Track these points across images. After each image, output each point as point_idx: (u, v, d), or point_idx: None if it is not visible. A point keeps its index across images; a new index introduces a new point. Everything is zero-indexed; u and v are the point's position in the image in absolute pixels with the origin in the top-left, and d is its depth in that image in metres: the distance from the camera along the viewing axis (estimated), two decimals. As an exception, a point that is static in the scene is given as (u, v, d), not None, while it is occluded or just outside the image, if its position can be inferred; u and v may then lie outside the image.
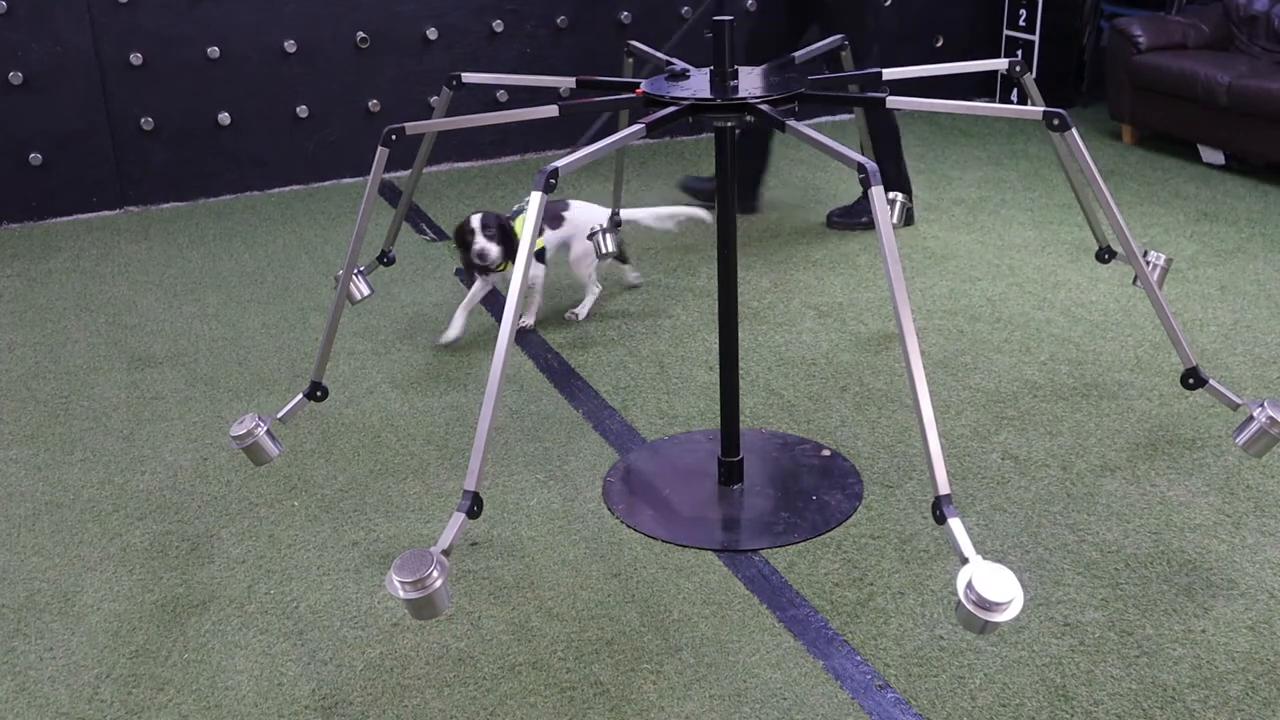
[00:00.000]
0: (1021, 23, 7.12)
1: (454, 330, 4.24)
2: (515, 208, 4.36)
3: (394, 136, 2.75)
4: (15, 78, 5.63)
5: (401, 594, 2.15)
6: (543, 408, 3.76)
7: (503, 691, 2.52)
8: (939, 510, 2.22)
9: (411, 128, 2.77)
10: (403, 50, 6.25)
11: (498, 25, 6.34)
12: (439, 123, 2.97)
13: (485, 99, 6.33)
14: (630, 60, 3.53)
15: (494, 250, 4.10)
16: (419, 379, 3.98)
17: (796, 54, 3.18)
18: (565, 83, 3.18)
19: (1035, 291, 4.52)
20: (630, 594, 2.82)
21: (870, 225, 5.22)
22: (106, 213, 5.95)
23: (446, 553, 2.21)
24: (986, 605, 2.05)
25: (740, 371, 3.55)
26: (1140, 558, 2.88)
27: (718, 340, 3.18)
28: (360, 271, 3.67)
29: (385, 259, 3.78)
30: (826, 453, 3.42)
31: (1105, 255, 3.43)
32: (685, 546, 3.00)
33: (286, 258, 5.22)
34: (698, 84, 2.90)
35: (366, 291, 3.57)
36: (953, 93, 6.81)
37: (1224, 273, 4.63)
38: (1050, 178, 5.89)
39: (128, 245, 5.46)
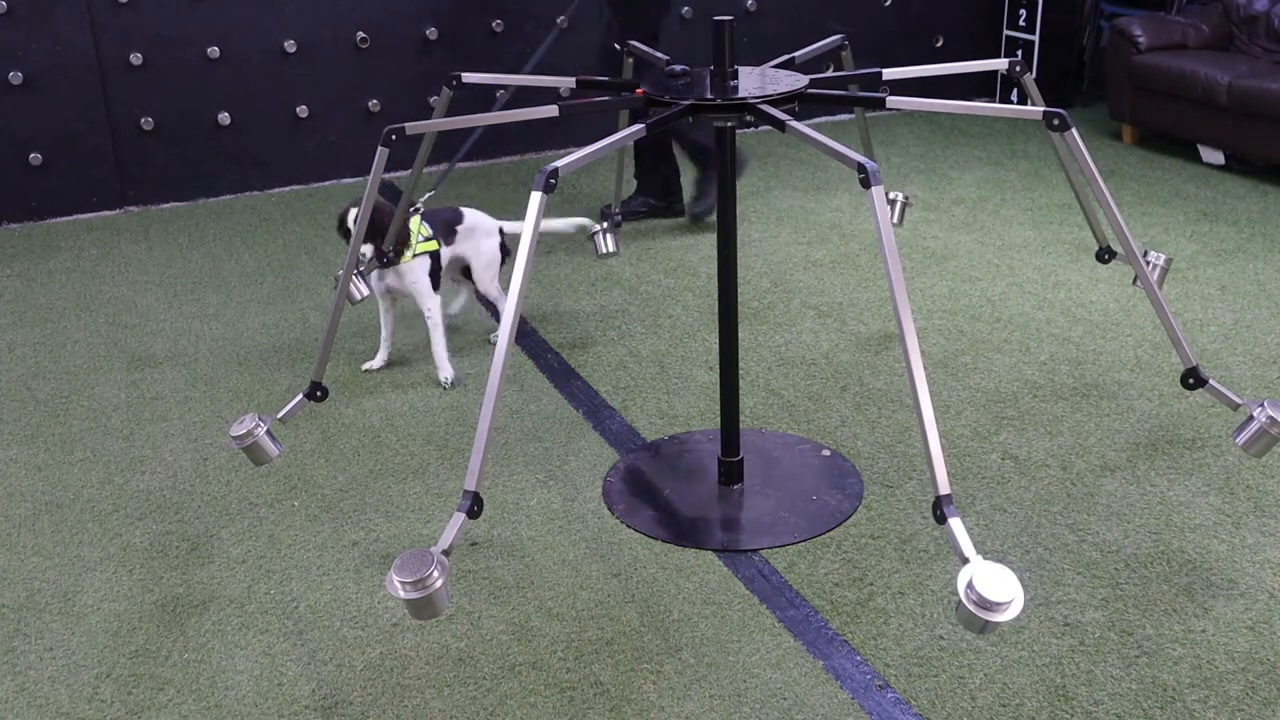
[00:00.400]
0: (1021, 23, 7.12)
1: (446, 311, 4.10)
2: (418, 203, 3.91)
3: (394, 136, 2.75)
4: (15, 78, 5.63)
5: (402, 594, 2.15)
6: (543, 408, 3.76)
7: (503, 691, 2.52)
8: (939, 510, 2.22)
9: (411, 128, 2.77)
10: (403, 50, 6.26)
11: (498, 25, 6.34)
12: (439, 123, 2.97)
13: (485, 99, 6.33)
14: (630, 60, 3.53)
15: (366, 250, 3.72)
16: (419, 379, 3.98)
17: (796, 54, 3.18)
18: (565, 83, 3.19)
19: (1035, 291, 4.51)
20: (630, 594, 2.82)
21: (660, 211, 5.41)
22: (106, 213, 5.96)
23: (447, 553, 2.21)
24: (987, 605, 2.05)
25: (740, 371, 3.55)
26: (1140, 558, 2.88)
27: (718, 340, 3.18)
28: (360, 272, 3.67)
29: (385, 259, 3.78)
30: (826, 453, 3.42)
31: (1105, 255, 3.42)
32: (685, 546, 3.00)
33: (286, 258, 5.21)
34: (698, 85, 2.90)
35: (366, 291, 3.58)
36: (953, 93, 6.82)
37: (1224, 273, 4.63)
38: (1050, 178, 5.89)
39: (128, 245, 5.46)
